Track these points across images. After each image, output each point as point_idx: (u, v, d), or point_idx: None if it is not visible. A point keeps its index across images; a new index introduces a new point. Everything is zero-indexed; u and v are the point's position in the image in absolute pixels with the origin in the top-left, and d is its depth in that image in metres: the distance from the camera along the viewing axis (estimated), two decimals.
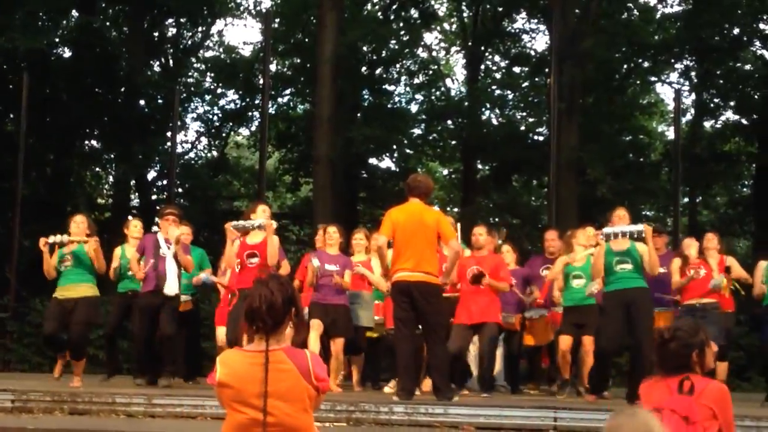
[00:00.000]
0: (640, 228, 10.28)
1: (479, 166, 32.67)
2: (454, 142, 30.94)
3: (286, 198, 35.29)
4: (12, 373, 16.52)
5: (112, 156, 28.96)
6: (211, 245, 14.49)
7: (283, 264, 12.09)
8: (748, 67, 28.81)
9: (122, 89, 28.15)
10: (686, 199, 29.94)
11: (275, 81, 28.69)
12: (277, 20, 28.77)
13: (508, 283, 11.57)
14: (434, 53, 34.60)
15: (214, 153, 33.68)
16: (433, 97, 31.48)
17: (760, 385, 16.69)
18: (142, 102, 28.70)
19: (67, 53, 28.14)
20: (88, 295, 11.48)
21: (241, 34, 77.49)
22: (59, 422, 8.60)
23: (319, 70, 24.45)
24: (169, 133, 25.29)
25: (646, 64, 28.34)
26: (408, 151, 30.44)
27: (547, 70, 25.29)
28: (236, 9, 33.34)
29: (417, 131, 30.62)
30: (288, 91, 31.33)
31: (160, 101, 28.31)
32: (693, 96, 30.01)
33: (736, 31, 26.36)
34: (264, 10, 31.13)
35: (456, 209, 31.36)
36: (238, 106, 31.72)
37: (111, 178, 31.41)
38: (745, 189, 32.07)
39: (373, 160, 31.04)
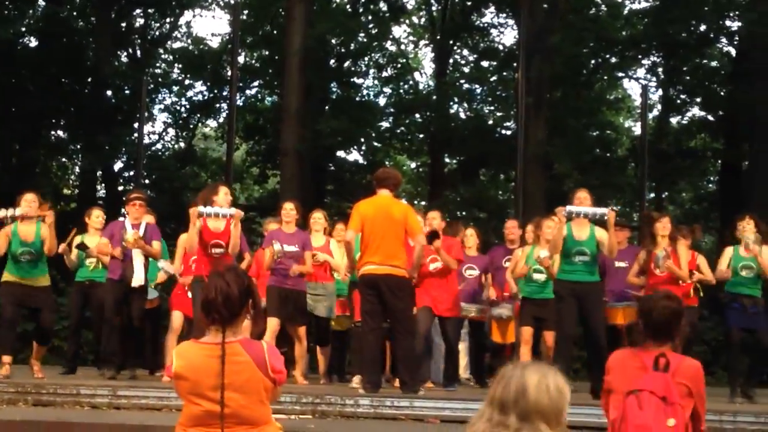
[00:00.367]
0: (603, 211, 10.33)
1: (447, 160, 32.69)
2: (421, 136, 30.93)
3: (254, 190, 35.19)
4: None
5: (79, 146, 28.80)
6: (177, 236, 14.42)
7: (246, 256, 12.05)
8: (714, 63, 29.02)
9: (89, 79, 27.99)
10: (652, 195, 30.05)
11: (243, 73, 28.63)
12: (246, 12, 28.69)
13: (456, 260, 11.43)
14: (403, 47, 34.57)
15: (182, 144, 33.52)
16: (401, 91, 31.49)
17: (724, 380, 16.86)
18: (109, 92, 28.52)
19: (34, 43, 27.95)
20: (47, 284, 11.40)
21: (210, 25, 77.37)
22: (23, 413, 8.56)
23: (288, 63, 24.40)
24: (136, 124, 25.21)
25: (613, 60, 28.42)
26: (376, 144, 30.41)
27: (515, 64, 25.26)
28: (204, 0, 33.20)
29: (385, 124, 30.58)
30: (256, 83, 31.26)
31: (127, 92, 28.17)
32: (660, 92, 30.19)
33: (702, 27, 26.47)
34: (233, 2, 31.00)
35: (423, 203, 31.37)
36: (206, 97, 31.59)
37: (77, 169, 31.21)
38: (710, 185, 32.27)
39: (340, 153, 31.08)
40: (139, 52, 31.78)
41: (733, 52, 28.17)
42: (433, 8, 32.84)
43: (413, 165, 36.35)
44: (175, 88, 31.85)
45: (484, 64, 31.83)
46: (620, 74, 30.54)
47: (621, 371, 5.00)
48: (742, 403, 10.61)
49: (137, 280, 11.25)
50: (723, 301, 11.72)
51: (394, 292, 9.75)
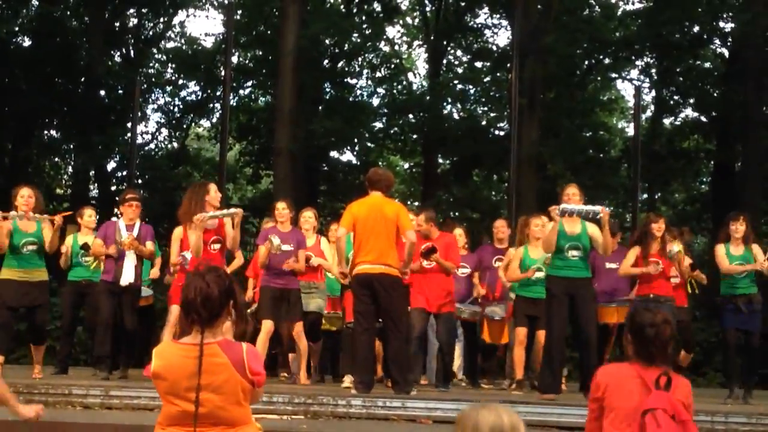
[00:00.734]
0: (597, 209, 10.25)
1: (440, 161, 32.73)
2: (415, 136, 30.95)
3: (247, 190, 35.19)
4: None
5: (72, 146, 28.77)
6: (170, 236, 14.42)
7: (237, 255, 12.05)
8: (707, 64, 29.08)
9: (82, 79, 27.98)
10: (645, 195, 30.15)
11: (237, 73, 28.59)
12: (240, 12, 28.69)
13: (455, 265, 11.50)
14: (396, 47, 34.59)
15: (175, 144, 33.50)
16: (394, 91, 31.51)
17: (716, 380, 16.92)
18: (102, 92, 28.52)
19: (27, 42, 27.93)
20: (45, 279, 11.36)
21: (203, 25, 77.33)
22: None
23: (281, 63, 24.41)
24: (129, 124, 25.17)
25: (606, 61, 28.50)
26: (369, 144, 30.44)
27: (508, 65, 25.35)
28: (198, 0, 33.17)
29: (378, 125, 30.62)
30: (249, 83, 31.25)
31: (120, 92, 28.17)
32: (653, 93, 30.23)
33: (696, 28, 26.56)
34: (226, 2, 31.01)
35: (416, 203, 31.39)
36: (199, 97, 31.60)
37: (70, 169, 31.18)
38: (703, 186, 32.34)
39: (334, 153, 31.10)
40: (132, 52, 31.74)
41: (726, 53, 28.24)
42: (427, 9, 32.84)
43: (406, 165, 36.38)
44: (168, 88, 31.85)
45: (478, 64, 31.90)
46: (613, 75, 30.63)
47: (619, 389, 4.86)
48: (733, 404, 10.63)
49: (125, 279, 11.23)
50: (718, 304, 11.74)
51: (388, 291, 9.75)
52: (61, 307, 13.35)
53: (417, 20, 34.75)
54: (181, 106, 32.33)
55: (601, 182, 27.72)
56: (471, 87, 30.43)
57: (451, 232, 12.34)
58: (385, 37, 31.81)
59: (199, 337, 4.39)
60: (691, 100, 28.01)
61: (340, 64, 30.68)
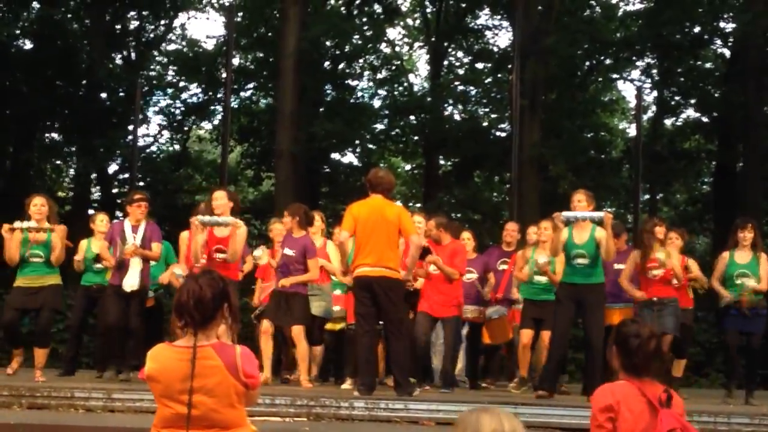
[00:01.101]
0: (600, 215, 10.34)
1: (441, 162, 32.74)
2: (416, 138, 30.98)
3: (248, 192, 35.19)
4: None
5: (73, 149, 28.80)
6: (172, 239, 14.42)
7: (248, 259, 12.09)
8: (708, 65, 29.07)
9: (83, 82, 28.00)
10: (647, 196, 30.12)
11: (238, 75, 28.63)
12: (240, 14, 28.72)
13: (458, 272, 11.52)
14: (397, 49, 34.59)
15: (176, 147, 33.56)
16: (395, 93, 31.50)
17: (718, 381, 16.90)
18: (103, 95, 28.53)
19: (28, 45, 27.96)
20: (54, 284, 11.37)
21: (204, 27, 77.32)
22: (17, 417, 8.53)
23: (282, 65, 24.44)
24: (130, 127, 25.13)
25: (608, 62, 28.49)
26: (370, 146, 30.44)
27: (509, 66, 25.36)
28: (199, 2, 33.18)
29: (379, 126, 30.64)
30: (251, 86, 31.29)
31: (121, 94, 28.15)
32: (654, 93, 30.24)
33: (697, 29, 26.55)
34: (227, 4, 31.01)
35: (418, 205, 31.38)
36: (201, 99, 31.60)
37: (72, 171, 31.22)
38: (704, 186, 32.34)
39: (335, 155, 31.09)
40: (133, 55, 31.75)
41: (728, 53, 28.24)
42: (428, 10, 32.85)
43: (408, 167, 36.39)
44: (169, 91, 31.85)
45: (479, 66, 31.91)
46: (615, 76, 30.58)
47: (630, 410, 4.68)
48: (736, 405, 10.63)
49: (130, 285, 11.22)
50: (720, 308, 11.72)
51: (388, 293, 9.72)
52: (71, 311, 13.38)
53: (418, 22, 34.76)
54: (182, 109, 32.34)
55: (603, 183, 27.69)
56: (472, 88, 30.44)
57: (457, 238, 12.36)
58: (385, 38, 31.84)
59: (193, 340, 4.40)
60: (692, 101, 28.01)
61: (341, 66, 30.69)
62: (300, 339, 11.28)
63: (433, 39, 32.36)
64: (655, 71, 29.28)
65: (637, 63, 29.11)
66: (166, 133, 33.42)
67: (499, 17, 31.26)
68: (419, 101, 30.24)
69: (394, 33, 34.99)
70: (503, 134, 28.94)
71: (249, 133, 30.73)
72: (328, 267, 12.16)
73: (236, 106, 29.33)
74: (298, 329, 11.28)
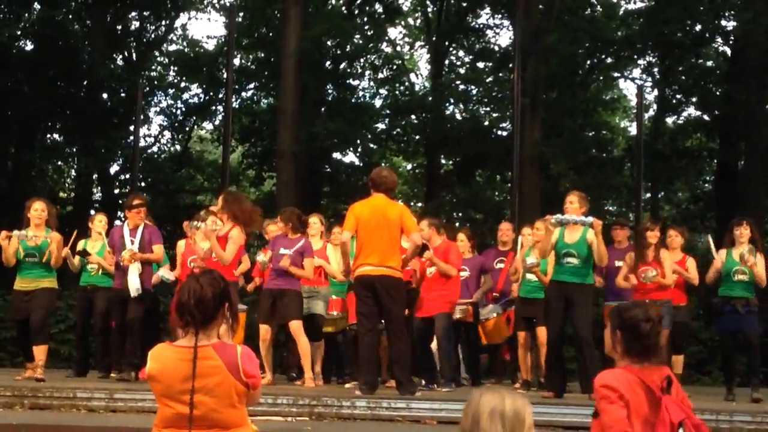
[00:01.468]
0: (589, 221, 10.31)
1: (443, 161, 32.73)
2: (417, 137, 30.95)
3: (250, 192, 35.13)
4: None
5: (74, 149, 28.80)
6: (173, 239, 14.44)
7: (244, 259, 12.10)
8: (710, 63, 29.05)
9: (85, 82, 28.01)
10: (648, 195, 30.11)
11: (239, 75, 28.64)
12: (241, 14, 28.69)
13: (455, 268, 11.56)
14: (398, 48, 34.59)
15: (178, 147, 33.54)
16: (397, 92, 31.52)
17: (720, 379, 16.87)
18: (104, 95, 28.52)
19: (29, 46, 27.95)
20: (49, 287, 11.41)
21: (205, 27, 77.43)
22: (19, 417, 8.54)
23: (283, 65, 24.43)
24: (132, 127, 25.13)
25: (609, 60, 28.46)
26: (372, 145, 30.41)
27: (510, 65, 25.33)
28: (200, 3, 33.15)
29: (381, 126, 30.66)
30: (252, 86, 31.29)
31: (123, 95, 28.17)
32: (655, 92, 30.25)
33: (698, 27, 26.51)
34: (228, 4, 31.00)
35: (419, 204, 31.39)
36: (202, 100, 31.62)
37: (73, 172, 31.23)
38: (706, 185, 32.32)
39: (336, 155, 31.08)
40: (134, 55, 31.75)
41: (729, 51, 28.20)
42: (429, 10, 32.83)
43: (409, 166, 36.38)
44: (170, 91, 31.88)
45: (480, 65, 31.90)
46: (616, 74, 30.58)
47: (630, 400, 4.53)
48: (738, 403, 10.63)
49: (135, 290, 11.28)
50: (715, 306, 11.73)
51: (390, 293, 9.72)
52: (76, 314, 13.43)
53: (419, 21, 34.75)
54: (183, 109, 32.36)
55: (604, 182, 27.70)
56: (473, 87, 30.43)
57: (454, 239, 12.38)
58: (386, 38, 31.83)
59: (194, 340, 4.40)
60: (694, 99, 27.97)
61: (342, 66, 30.69)
62: (299, 334, 11.30)
63: (434, 38, 32.34)
64: (656, 70, 29.30)
65: (639, 61, 29.12)
66: (167, 134, 33.45)
67: (500, 16, 31.24)
68: (420, 100, 30.24)
69: (395, 32, 35.02)
70: (504, 133, 28.94)
71: (250, 133, 30.72)
72: (328, 269, 12.17)
73: (237, 106, 29.35)
74: (296, 324, 11.30)
